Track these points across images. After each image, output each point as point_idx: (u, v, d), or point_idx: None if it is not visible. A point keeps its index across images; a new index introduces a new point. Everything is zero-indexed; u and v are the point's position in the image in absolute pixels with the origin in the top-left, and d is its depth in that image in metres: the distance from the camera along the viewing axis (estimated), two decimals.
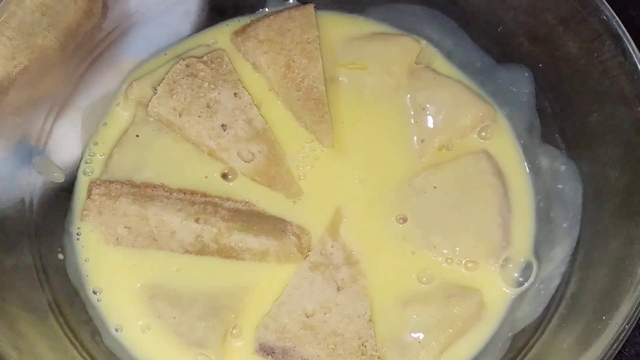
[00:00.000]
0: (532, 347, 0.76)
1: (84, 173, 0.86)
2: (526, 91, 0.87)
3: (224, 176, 0.85)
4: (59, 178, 0.83)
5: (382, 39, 0.92)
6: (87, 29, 0.82)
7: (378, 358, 0.76)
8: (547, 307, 0.78)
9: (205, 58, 0.88)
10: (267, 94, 0.90)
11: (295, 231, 0.81)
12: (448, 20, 0.90)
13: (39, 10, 0.74)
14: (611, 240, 0.75)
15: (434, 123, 0.88)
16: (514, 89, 0.88)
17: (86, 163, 0.86)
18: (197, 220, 0.80)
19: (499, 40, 0.87)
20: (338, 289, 0.79)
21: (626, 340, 0.65)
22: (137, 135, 0.86)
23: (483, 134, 0.89)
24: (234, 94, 0.86)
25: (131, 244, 0.80)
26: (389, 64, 0.90)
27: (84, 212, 0.81)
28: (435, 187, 0.84)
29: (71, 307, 0.78)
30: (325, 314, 0.77)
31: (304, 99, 0.87)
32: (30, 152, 0.81)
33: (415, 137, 0.88)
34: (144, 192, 0.82)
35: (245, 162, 0.84)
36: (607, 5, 0.73)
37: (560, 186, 0.83)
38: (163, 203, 0.80)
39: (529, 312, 0.79)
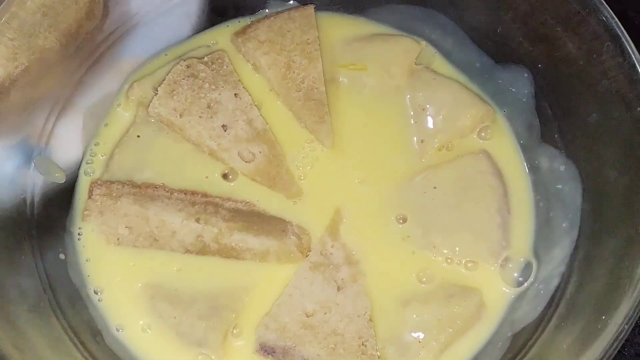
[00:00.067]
0: (531, 346, 0.76)
1: (85, 173, 0.86)
2: (525, 92, 0.87)
3: (225, 176, 0.85)
4: (60, 178, 0.83)
5: (382, 40, 0.92)
6: (88, 30, 0.82)
7: (378, 357, 0.77)
8: (547, 307, 0.78)
9: (205, 59, 0.88)
10: (268, 94, 0.90)
11: (295, 231, 0.82)
12: (448, 21, 0.90)
13: (40, 11, 0.74)
14: (611, 240, 0.75)
15: (433, 123, 0.88)
16: (513, 90, 0.88)
17: (87, 163, 0.86)
18: (197, 220, 0.80)
19: (499, 41, 0.87)
20: (338, 289, 0.79)
21: (626, 340, 0.65)
22: (138, 136, 0.86)
23: (483, 134, 0.89)
24: (235, 94, 0.87)
25: (132, 244, 0.81)
26: (389, 64, 0.90)
27: (85, 212, 0.82)
28: (435, 187, 0.84)
29: (72, 307, 0.79)
30: (325, 313, 0.78)
31: (304, 100, 0.87)
32: (32, 152, 0.81)
33: (415, 138, 0.88)
34: (145, 192, 0.82)
35: (246, 162, 0.85)
36: (606, 6, 0.73)
37: (559, 186, 0.84)
38: (164, 203, 0.81)
39: (529, 312, 0.80)
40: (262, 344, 0.77)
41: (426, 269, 0.82)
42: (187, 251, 0.81)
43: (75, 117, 0.85)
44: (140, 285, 0.80)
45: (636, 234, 0.71)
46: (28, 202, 0.80)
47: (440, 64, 0.93)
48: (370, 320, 0.78)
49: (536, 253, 0.84)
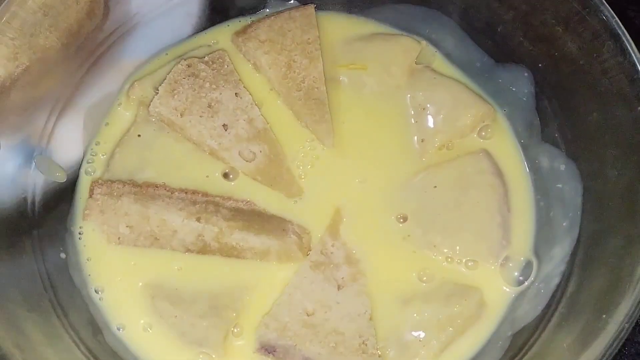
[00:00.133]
0: (532, 345, 0.76)
1: (86, 173, 0.86)
2: (526, 91, 0.87)
3: (225, 176, 0.85)
4: (61, 178, 0.84)
5: (382, 39, 0.92)
6: (89, 29, 0.82)
7: (379, 356, 0.77)
8: (547, 306, 0.78)
9: (206, 58, 0.88)
10: (268, 94, 0.90)
11: (296, 230, 0.82)
12: (448, 20, 0.90)
13: (41, 11, 0.74)
14: (611, 239, 0.75)
15: (434, 123, 0.88)
16: (513, 89, 0.88)
17: (88, 163, 0.86)
18: (198, 220, 0.80)
19: (499, 41, 0.87)
20: (338, 288, 0.79)
21: (626, 339, 0.65)
22: (139, 135, 0.86)
23: (483, 133, 0.89)
24: (235, 94, 0.87)
25: (133, 243, 0.81)
26: (389, 64, 0.90)
27: (85, 212, 0.82)
28: (435, 187, 0.84)
29: (73, 306, 0.79)
30: (325, 312, 0.78)
31: (305, 99, 0.87)
32: (33, 151, 0.81)
33: (416, 137, 0.88)
34: (146, 191, 0.82)
35: (246, 161, 0.85)
36: (607, 5, 0.73)
37: (560, 185, 0.84)
38: (165, 202, 0.81)
39: (529, 311, 0.80)
40: (263, 343, 0.77)
41: (426, 268, 0.82)
42: (188, 250, 0.81)
43: (76, 117, 0.86)
44: (141, 284, 0.80)
45: (636, 233, 0.71)
46: (29, 201, 0.80)
47: (440, 63, 0.93)
48: (370, 319, 0.78)
49: (536, 252, 0.84)
